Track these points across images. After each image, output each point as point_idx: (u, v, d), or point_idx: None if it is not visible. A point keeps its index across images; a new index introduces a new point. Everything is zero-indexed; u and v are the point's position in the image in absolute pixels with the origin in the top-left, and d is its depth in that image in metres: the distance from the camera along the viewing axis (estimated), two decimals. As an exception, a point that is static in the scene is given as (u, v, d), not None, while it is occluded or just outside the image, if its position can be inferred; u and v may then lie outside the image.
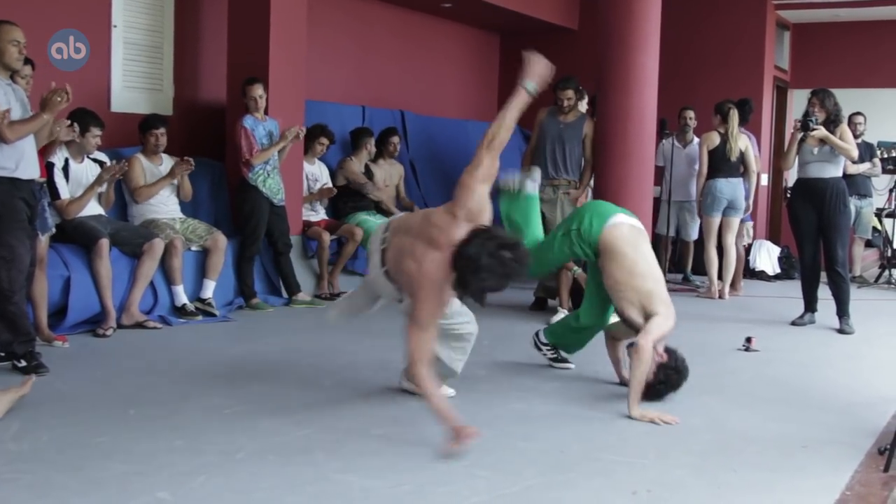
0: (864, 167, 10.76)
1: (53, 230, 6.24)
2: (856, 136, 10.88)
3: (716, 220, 9.45)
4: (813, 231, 7.75)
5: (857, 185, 10.81)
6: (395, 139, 9.53)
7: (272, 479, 3.76)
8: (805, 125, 7.64)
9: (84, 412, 4.65)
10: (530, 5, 11.41)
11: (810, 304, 7.97)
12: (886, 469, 4.09)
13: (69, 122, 6.22)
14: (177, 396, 4.99)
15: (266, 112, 7.87)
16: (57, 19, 7.28)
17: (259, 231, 7.79)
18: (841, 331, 7.62)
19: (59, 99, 5.30)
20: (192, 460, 3.94)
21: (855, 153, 7.88)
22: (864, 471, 4.12)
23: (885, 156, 11.50)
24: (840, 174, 7.77)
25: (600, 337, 5.82)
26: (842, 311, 7.72)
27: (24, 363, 5.34)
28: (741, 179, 9.49)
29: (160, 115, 7.60)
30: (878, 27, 12.43)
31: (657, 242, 10.20)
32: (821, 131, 7.57)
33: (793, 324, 7.89)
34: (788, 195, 8.48)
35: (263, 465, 3.93)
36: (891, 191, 11.52)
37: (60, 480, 3.66)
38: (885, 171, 11.35)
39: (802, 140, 7.73)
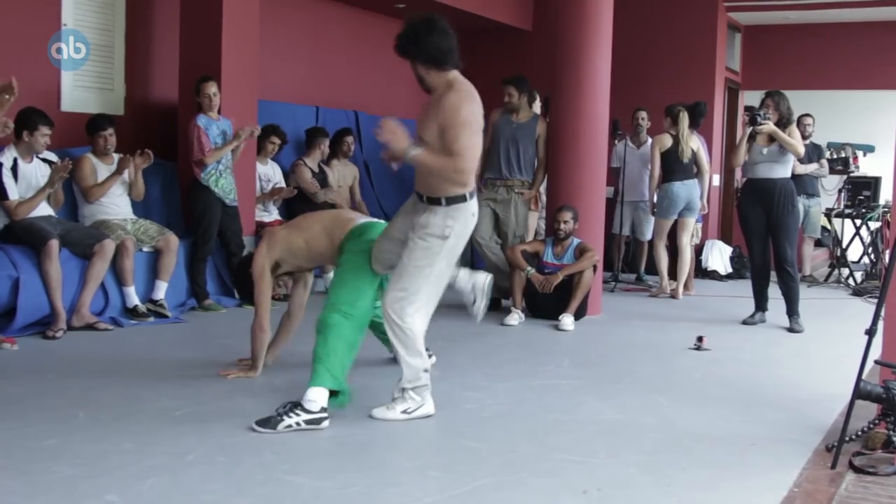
0: (811, 167, 10.91)
1: None
2: (805, 137, 11.00)
3: (669, 222, 9.54)
4: (762, 230, 7.81)
5: (804, 185, 10.95)
6: (350, 139, 9.51)
7: (222, 481, 3.74)
8: (753, 119, 7.68)
9: (32, 415, 4.60)
10: (484, 6, 11.42)
11: (760, 303, 8.04)
12: (834, 466, 4.14)
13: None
14: (127, 399, 4.95)
15: (219, 112, 7.82)
16: (4, 18, 7.19)
17: (211, 231, 7.74)
18: (791, 329, 7.69)
19: (7, 97, 5.23)
20: (142, 462, 3.91)
21: (801, 150, 7.93)
22: (811, 467, 4.18)
23: (835, 156, 11.67)
24: (789, 175, 7.85)
25: (551, 343, 5.84)
26: (792, 310, 7.81)
27: (-29, 365, 5.27)
28: (696, 181, 9.57)
29: (107, 116, 7.50)
30: (827, 30, 12.58)
31: (611, 242, 10.28)
32: (769, 126, 7.62)
33: (744, 323, 7.96)
34: (738, 195, 8.50)
35: (213, 466, 3.91)
36: (839, 191, 11.67)
37: (7, 484, 3.62)
38: (833, 171, 11.51)
39: (752, 138, 7.80)
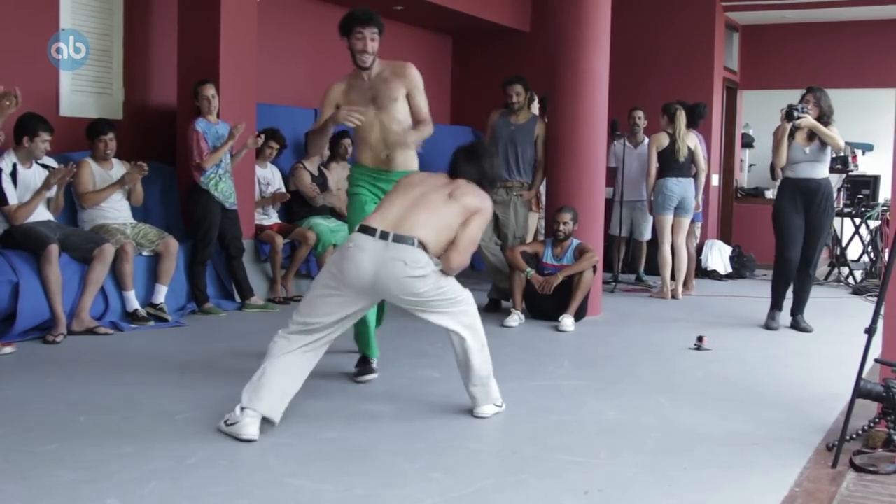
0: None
1: None
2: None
3: (668, 218, 9.48)
4: (799, 231, 7.59)
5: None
6: (347, 142, 9.50)
7: (223, 485, 3.74)
8: (790, 114, 7.42)
9: (33, 419, 4.60)
10: (482, 7, 11.44)
11: (779, 302, 7.84)
12: (835, 465, 4.15)
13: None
14: (127, 403, 4.95)
15: (218, 115, 7.82)
16: (2, 23, 7.20)
17: (211, 235, 7.74)
18: (799, 327, 7.66)
19: (7, 103, 5.24)
20: (143, 466, 3.91)
21: (842, 144, 7.65)
22: (812, 467, 4.18)
23: (833, 155, 11.65)
24: (828, 175, 7.68)
25: (554, 343, 5.84)
26: (800, 309, 7.76)
27: (-29, 370, 5.27)
28: (691, 180, 9.56)
29: (107, 120, 7.51)
30: (825, 29, 12.59)
31: (610, 243, 10.27)
32: (808, 119, 7.38)
33: (766, 327, 7.74)
34: (775, 194, 8.15)
35: (214, 470, 3.91)
36: (839, 190, 11.68)
37: (8, 489, 3.62)
38: (832, 170, 11.49)
39: (791, 135, 7.54)
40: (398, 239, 4.48)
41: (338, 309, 4.55)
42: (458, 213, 4.66)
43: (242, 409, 4.36)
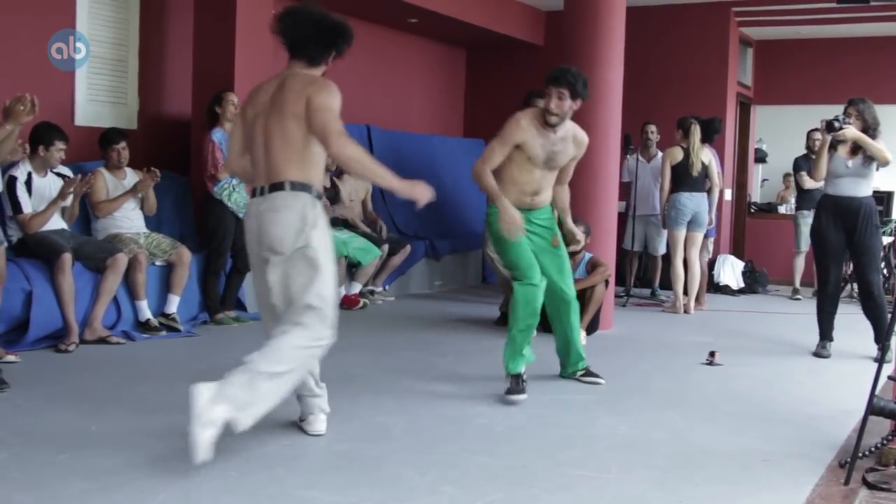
0: (822, 182, 10.86)
1: (5, 244, 6.14)
2: (814, 152, 10.98)
3: (681, 233, 9.46)
4: (840, 253, 7.24)
5: (814, 200, 10.89)
6: None
7: (234, 496, 3.74)
8: (830, 126, 6.95)
9: (45, 429, 4.61)
10: (496, 21, 11.47)
11: (828, 331, 7.41)
12: (847, 482, 4.12)
13: (20, 141, 6.15)
14: (139, 412, 4.96)
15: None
16: (19, 34, 7.24)
17: (225, 245, 7.73)
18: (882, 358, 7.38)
19: (22, 108, 5.24)
20: (154, 477, 3.92)
21: (889, 157, 7.05)
22: (824, 484, 4.16)
23: (880, 170, 11.61)
24: (871, 192, 7.21)
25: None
26: (881, 337, 7.07)
27: (-16, 379, 5.28)
28: (705, 195, 9.54)
29: (119, 129, 7.53)
30: (839, 45, 12.59)
31: (623, 258, 10.26)
32: (852, 130, 6.91)
33: (816, 355, 7.33)
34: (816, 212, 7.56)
35: (226, 481, 3.91)
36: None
37: (20, 499, 3.62)
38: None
39: (833, 148, 7.15)
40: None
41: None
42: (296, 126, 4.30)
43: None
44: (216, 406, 3.88)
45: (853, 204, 7.09)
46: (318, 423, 4.63)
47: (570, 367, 6.14)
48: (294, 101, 4.29)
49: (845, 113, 7.07)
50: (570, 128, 5.73)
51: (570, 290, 5.96)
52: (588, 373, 6.12)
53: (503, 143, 5.60)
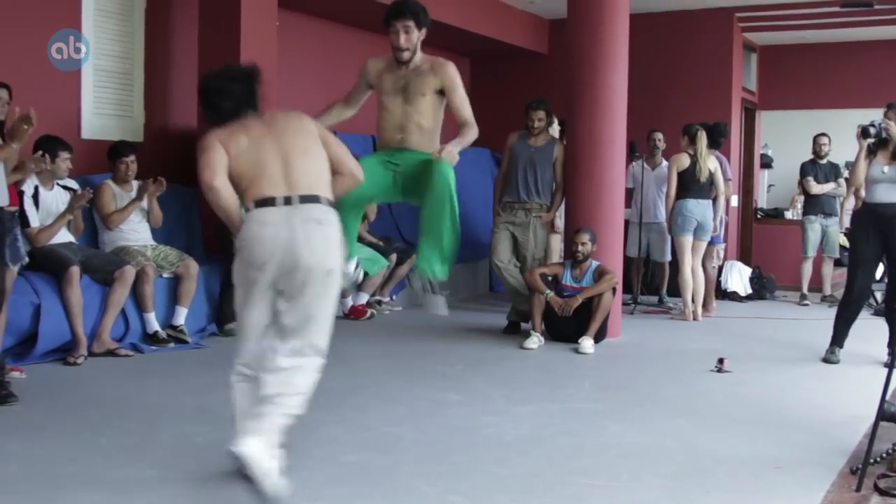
0: (829, 187, 10.89)
1: (26, 260, 6.18)
2: (821, 157, 11.01)
3: (688, 239, 9.41)
4: (872, 261, 7.13)
5: (822, 205, 10.94)
6: None
7: (244, 508, 3.74)
8: (866, 131, 6.88)
9: (54, 441, 4.61)
10: (500, 30, 11.47)
11: (841, 338, 7.32)
12: (859, 489, 4.11)
13: (40, 152, 6.15)
14: (148, 424, 4.96)
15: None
16: (27, 48, 7.25)
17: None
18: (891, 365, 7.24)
19: (25, 127, 5.25)
20: (164, 489, 3.92)
21: None
22: (836, 491, 4.14)
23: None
24: None
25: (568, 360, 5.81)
26: (895, 342, 7.12)
27: (-8, 392, 5.28)
28: (710, 202, 9.52)
29: (129, 143, 7.55)
30: (843, 49, 12.56)
31: (629, 265, 10.24)
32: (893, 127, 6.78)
33: (826, 361, 7.26)
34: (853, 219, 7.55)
35: (234, 493, 3.89)
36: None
37: (30, 512, 3.63)
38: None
39: (872, 153, 7.01)
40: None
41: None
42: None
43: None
44: (267, 458, 3.72)
45: (888, 211, 6.96)
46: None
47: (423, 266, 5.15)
48: (307, 128, 4.21)
49: (885, 116, 6.97)
50: (426, 59, 5.42)
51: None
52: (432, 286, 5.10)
53: (357, 84, 5.52)
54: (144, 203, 7.40)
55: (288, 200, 3.92)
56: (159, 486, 3.96)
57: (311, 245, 3.89)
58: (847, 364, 7.23)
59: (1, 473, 4.07)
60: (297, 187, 3.96)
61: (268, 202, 3.93)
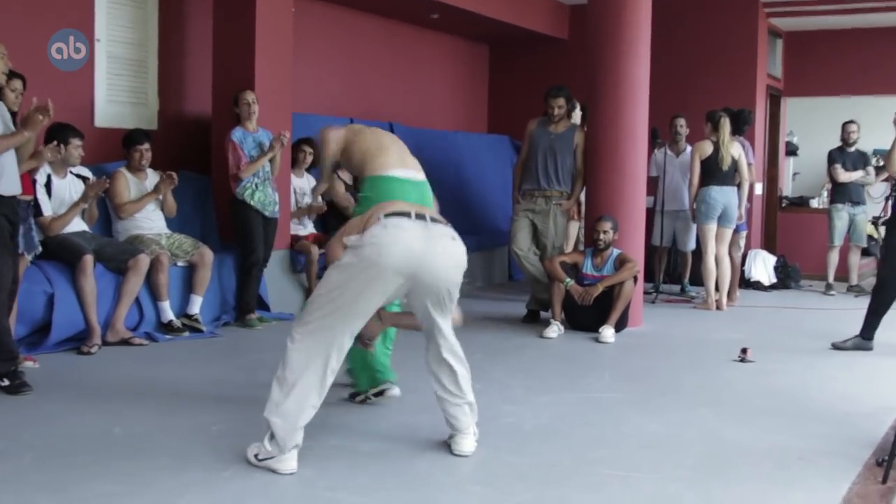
0: (857, 175, 10.77)
1: (40, 249, 6.14)
2: (849, 144, 10.88)
3: (712, 227, 9.32)
4: None
5: (850, 193, 10.81)
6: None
7: (259, 498, 3.69)
8: None
9: (68, 431, 4.56)
10: (519, 16, 11.38)
11: (868, 331, 7.19)
12: (884, 480, 4.02)
13: (55, 142, 6.10)
14: (163, 414, 4.91)
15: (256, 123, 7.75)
16: (40, 37, 7.21)
17: (254, 242, 7.59)
18: None
19: (40, 117, 5.22)
20: (178, 478, 3.86)
21: None
22: (861, 482, 4.06)
23: (881, 164, 11.46)
24: None
25: (579, 360, 5.74)
26: None
27: (6, 382, 5.24)
28: (735, 188, 9.40)
29: (144, 131, 7.51)
30: (870, 34, 12.38)
31: (652, 253, 10.14)
32: None
33: (835, 347, 7.25)
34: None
35: (251, 482, 3.85)
36: (886, 198, 11.45)
37: (44, 502, 3.58)
38: (885, 179, 11.30)
39: None
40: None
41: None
42: None
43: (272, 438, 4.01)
44: None
45: None
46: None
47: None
48: None
49: None
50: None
51: None
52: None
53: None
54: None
55: (418, 216, 4.12)
56: (174, 475, 3.90)
57: (456, 256, 4.21)
58: (872, 354, 7.13)
59: (15, 463, 4.03)
60: (419, 207, 4.25)
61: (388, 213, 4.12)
